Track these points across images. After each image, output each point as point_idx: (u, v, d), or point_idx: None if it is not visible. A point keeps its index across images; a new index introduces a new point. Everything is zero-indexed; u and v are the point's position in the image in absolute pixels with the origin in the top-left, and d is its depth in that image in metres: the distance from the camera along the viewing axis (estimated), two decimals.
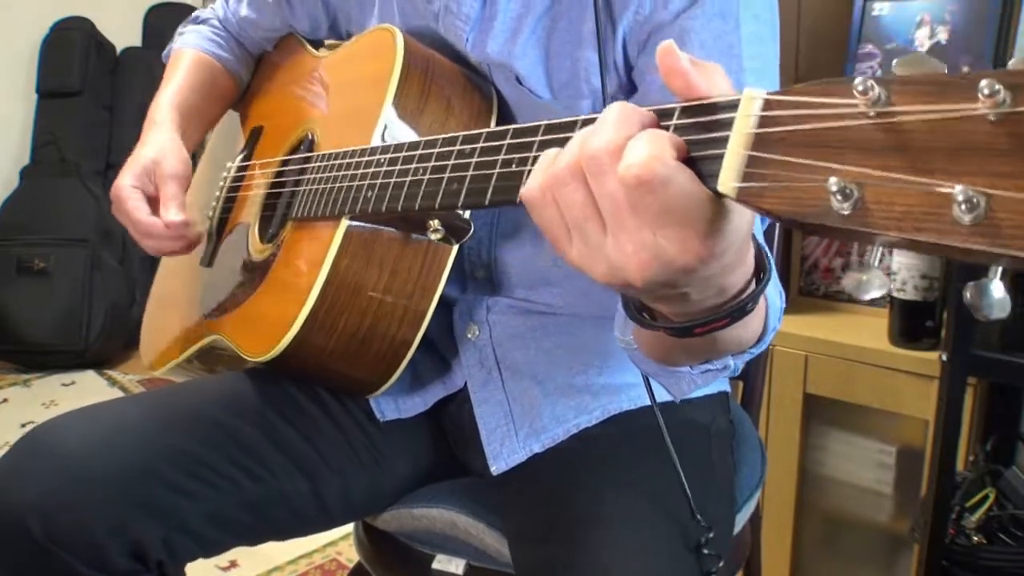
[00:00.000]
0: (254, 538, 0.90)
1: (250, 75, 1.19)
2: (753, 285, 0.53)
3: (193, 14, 1.19)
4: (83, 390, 2.78)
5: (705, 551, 0.77)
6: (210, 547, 0.86)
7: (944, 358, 1.29)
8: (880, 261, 1.67)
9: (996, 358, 1.28)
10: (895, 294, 1.50)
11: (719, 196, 0.45)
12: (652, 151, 0.45)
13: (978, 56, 1.47)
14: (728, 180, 0.44)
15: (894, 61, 0.40)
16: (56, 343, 2.86)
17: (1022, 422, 1.55)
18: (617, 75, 0.79)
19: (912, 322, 1.49)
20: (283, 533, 0.92)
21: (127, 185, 0.98)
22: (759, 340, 0.65)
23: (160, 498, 0.81)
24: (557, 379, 0.90)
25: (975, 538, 1.32)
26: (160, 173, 0.98)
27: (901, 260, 1.48)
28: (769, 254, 0.55)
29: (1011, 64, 0.35)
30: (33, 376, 2.87)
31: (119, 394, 2.72)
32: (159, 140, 1.02)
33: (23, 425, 2.46)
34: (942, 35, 1.53)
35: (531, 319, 0.92)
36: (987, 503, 1.36)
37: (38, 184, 3.01)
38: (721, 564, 0.77)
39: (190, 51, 1.13)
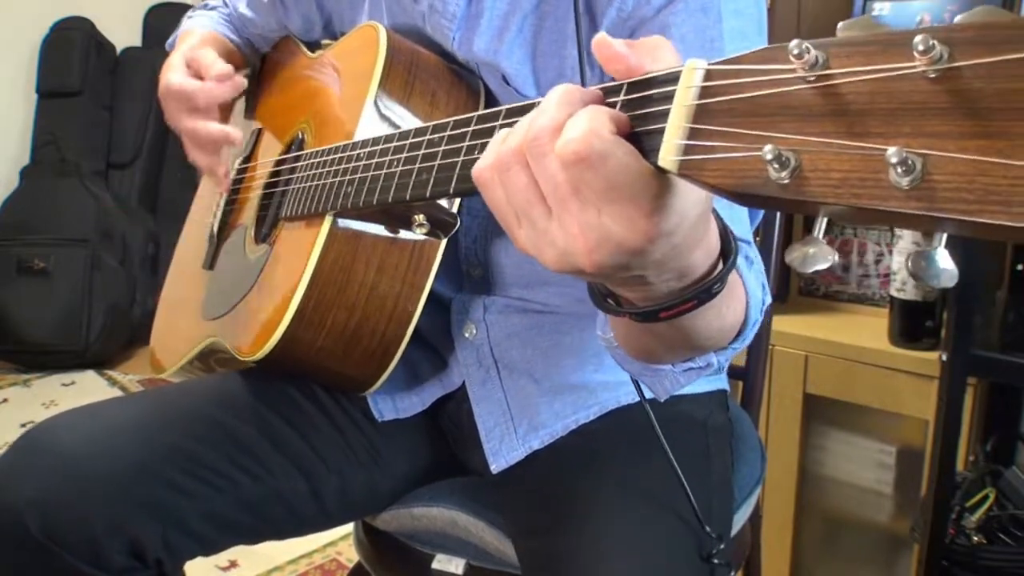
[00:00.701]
0: (253, 537, 0.90)
1: (257, 61, 1.18)
2: (720, 266, 0.52)
3: (202, 2, 1.20)
4: (83, 390, 2.78)
5: (716, 561, 0.77)
6: (209, 546, 0.86)
7: (944, 358, 1.29)
8: (879, 262, 1.65)
9: (996, 358, 1.28)
10: (895, 294, 1.50)
11: (662, 171, 0.44)
12: (589, 126, 0.44)
13: None
14: (668, 154, 0.43)
15: (839, 24, 0.38)
16: (56, 343, 2.86)
17: (1022, 422, 1.55)
18: (601, 72, 0.79)
19: (912, 322, 1.49)
20: (282, 532, 0.92)
21: (175, 66, 1.01)
22: (740, 335, 0.64)
23: (158, 496, 0.81)
24: (554, 377, 0.90)
25: (975, 538, 1.32)
26: (196, 49, 1.01)
27: (901, 260, 1.48)
28: (742, 244, 0.54)
29: (956, 20, 0.34)
30: (33, 376, 2.87)
31: (119, 394, 2.72)
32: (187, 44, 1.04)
33: (23, 425, 2.46)
34: None
35: (528, 318, 0.92)
36: (987, 503, 1.36)
37: (38, 184, 3.02)
38: (732, 573, 0.77)
39: (200, 29, 1.13)
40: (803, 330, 1.58)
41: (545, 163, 0.46)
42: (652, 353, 0.65)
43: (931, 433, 1.38)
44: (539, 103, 0.52)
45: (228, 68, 0.98)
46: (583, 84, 0.77)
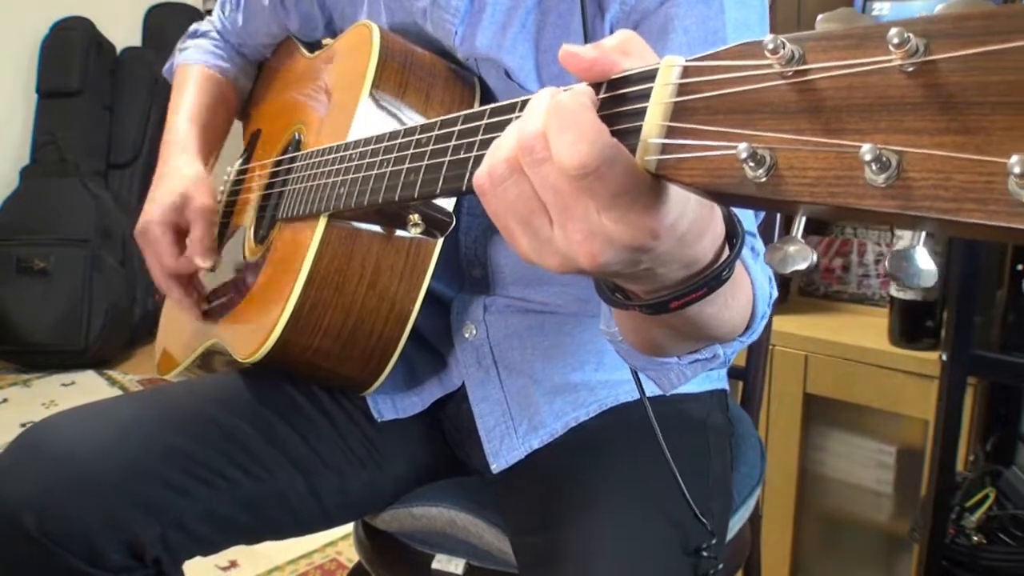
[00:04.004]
0: (251, 537, 0.90)
1: (251, 83, 1.19)
2: (726, 252, 0.52)
3: (191, 27, 1.19)
4: (83, 390, 2.78)
5: (704, 554, 0.77)
6: (207, 545, 0.86)
7: (944, 358, 1.29)
8: (879, 262, 1.65)
9: (996, 358, 1.28)
10: (895, 294, 1.50)
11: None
12: (592, 131, 0.43)
13: None
14: (645, 153, 0.42)
15: (818, 17, 0.37)
16: (56, 343, 2.86)
17: (1022, 422, 1.55)
18: None
19: (912, 322, 1.49)
20: (280, 532, 0.92)
21: (156, 222, 0.97)
22: (748, 328, 0.64)
23: (156, 496, 0.81)
24: (554, 377, 0.90)
25: (975, 538, 1.32)
26: (191, 207, 0.97)
27: None
28: (743, 224, 0.54)
29: (935, 11, 0.32)
30: (33, 376, 2.87)
31: (119, 394, 2.72)
32: (186, 172, 1.00)
33: (23, 425, 2.45)
34: None
35: (528, 318, 0.92)
36: (987, 503, 1.36)
37: (38, 184, 3.01)
38: (720, 567, 0.77)
39: (195, 67, 1.13)
40: (803, 330, 1.58)
41: (543, 172, 0.45)
42: (659, 346, 0.64)
43: (931, 433, 1.38)
44: (520, 102, 0.51)
45: (211, 257, 0.95)
46: None
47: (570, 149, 0.42)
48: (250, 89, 1.19)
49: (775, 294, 0.68)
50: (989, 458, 1.46)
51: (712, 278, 0.50)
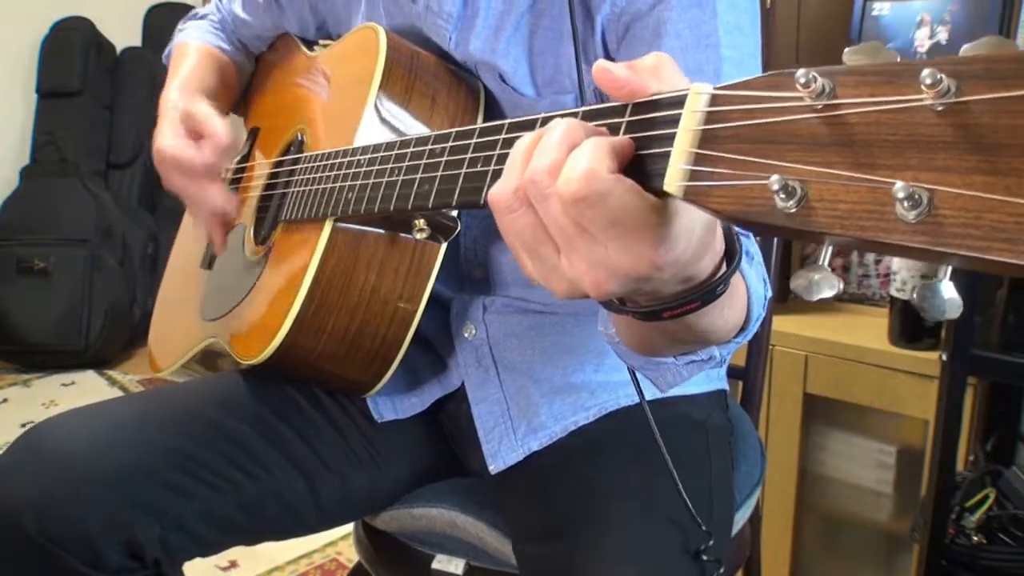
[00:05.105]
0: (251, 538, 0.90)
1: (252, 66, 1.18)
2: (724, 268, 0.53)
3: (191, 12, 1.19)
4: (83, 390, 2.78)
5: (705, 557, 0.77)
6: (207, 546, 0.86)
7: (944, 358, 1.29)
8: (879, 262, 1.65)
9: (996, 358, 1.28)
10: (895, 294, 1.50)
11: (665, 196, 0.44)
12: (588, 165, 0.44)
13: None
14: (674, 179, 0.43)
15: (845, 51, 0.38)
16: (56, 343, 2.86)
17: (1022, 422, 1.55)
18: None
19: (912, 322, 1.49)
20: (280, 533, 0.92)
21: (169, 135, 0.96)
22: (743, 329, 0.64)
23: (156, 497, 0.81)
24: (554, 378, 0.89)
25: (975, 538, 1.32)
26: (189, 109, 0.97)
27: (901, 260, 1.48)
28: (741, 238, 0.54)
29: (962, 51, 0.33)
30: (33, 376, 2.87)
31: (119, 394, 2.72)
32: (178, 105, 1.01)
33: (23, 425, 2.46)
34: (942, 35, 1.53)
35: (528, 318, 0.92)
36: (987, 503, 1.36)
37: (38, 184, 3.01)
38: (722, 570, 0.77)
39: (193, 43, 1.12)
40: (803, 330, 1.58)
41: (548, 205, 0.46)
42: (654, 348, 0.65)
43: (931, 433, 1.38)
44: (541, 119, 0.52)
45: (225, 130, 0.95)
46: (580, 81, 0.77)
47: (567, 181, 0.44)
48: (250, 73, 1.19)
49: (769, 295, 0.69)
50: (989, 458, 1.46)
51: (707, 293, 0.52)
